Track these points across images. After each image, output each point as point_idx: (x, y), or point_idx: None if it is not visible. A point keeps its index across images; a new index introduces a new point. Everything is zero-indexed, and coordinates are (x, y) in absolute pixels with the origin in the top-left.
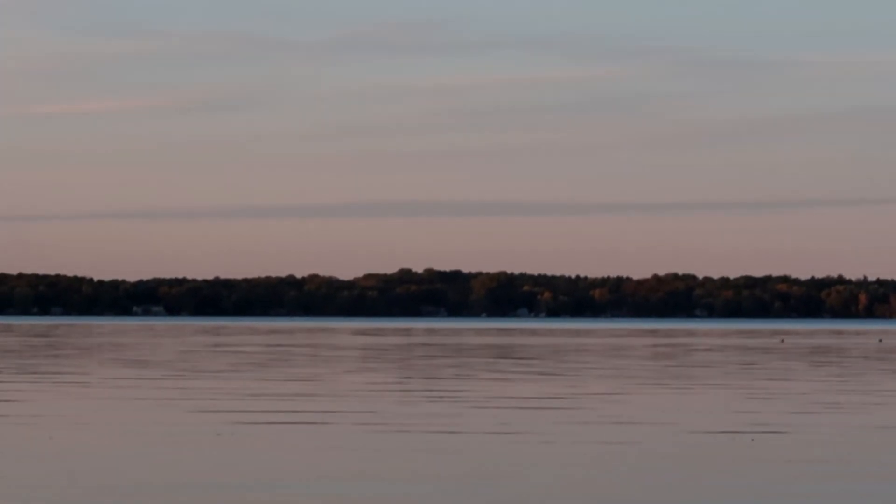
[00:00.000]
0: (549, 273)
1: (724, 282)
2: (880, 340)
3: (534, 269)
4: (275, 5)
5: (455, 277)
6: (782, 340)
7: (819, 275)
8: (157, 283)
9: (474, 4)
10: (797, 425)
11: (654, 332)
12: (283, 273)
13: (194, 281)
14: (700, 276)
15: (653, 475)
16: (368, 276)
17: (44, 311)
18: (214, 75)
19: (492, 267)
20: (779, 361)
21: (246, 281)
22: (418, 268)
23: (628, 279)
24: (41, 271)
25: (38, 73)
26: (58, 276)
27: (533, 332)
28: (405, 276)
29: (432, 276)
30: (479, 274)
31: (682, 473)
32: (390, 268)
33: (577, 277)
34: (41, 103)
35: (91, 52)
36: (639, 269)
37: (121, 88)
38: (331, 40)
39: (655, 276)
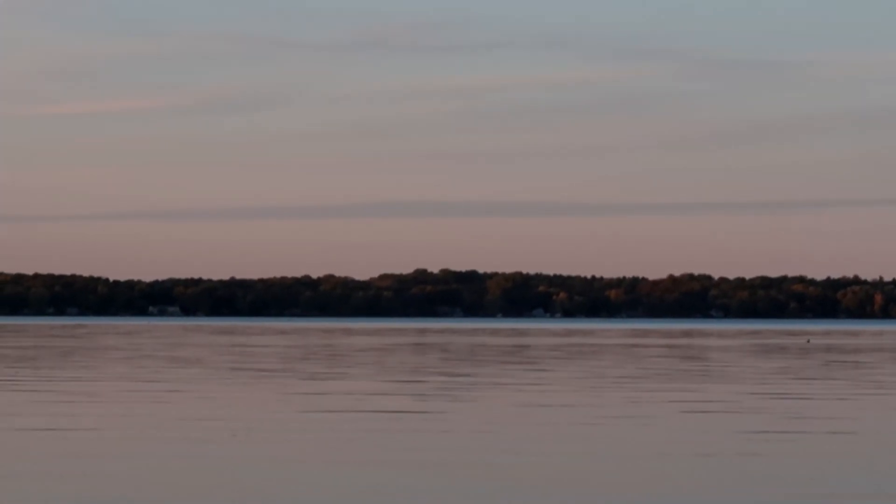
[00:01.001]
0: (565, 273)
1: (740, 282)
2: None
3: (549, 270)
4: (287, 6)
5: (470, 278)
6: (808, 341)
7: (835, 275)
8: (172, 284)
9: (488, 5)
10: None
11: (679, 333)
12: (298, 273)
13: (210, 281)
14: (715, 276)
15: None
16: (384, 277)
17: (59, 312)
18: (229, 75)
19: (507, 267)
20: (813, 362)
21: (261, 281)
22: (434, 268)
23: (644, 279)
24: (57, 271)
25: (53, 73)
26: (73, 276)
27: (555, 333)
28: (421, 276)
29: (448, 276)
30: (495, 274)
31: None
32: (406, 268)
33: (593, 278)
34: (55, 103)
35: (107, 51)
36: (654, 270)
37: (135, 88)
38: (344, 40)
39: (671, 277)
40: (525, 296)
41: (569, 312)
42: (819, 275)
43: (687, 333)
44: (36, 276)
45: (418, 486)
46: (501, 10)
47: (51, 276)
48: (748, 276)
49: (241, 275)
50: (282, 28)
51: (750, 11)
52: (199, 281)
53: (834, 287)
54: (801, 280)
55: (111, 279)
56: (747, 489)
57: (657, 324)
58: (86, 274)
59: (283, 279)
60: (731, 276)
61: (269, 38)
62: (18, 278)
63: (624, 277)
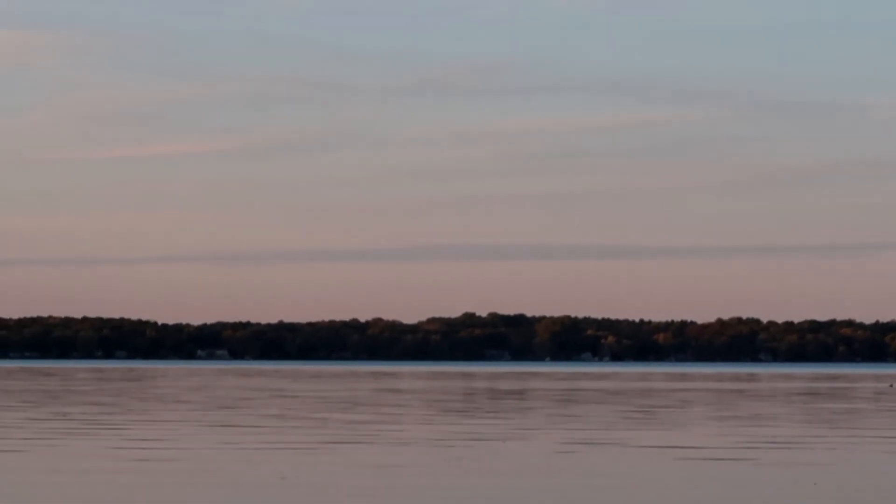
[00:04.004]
0: (613, 317)
1: (789, 326)
2: None
3: (597, 313)
4: (343, 50)
5: (519, 321)
6: (892, 385)
7: (883, 319)
8: (220, 327)
9: (542, 48)
10: None
11: (748, 378)
12: (346, 317)
13: (258, 325)
14: (764, 320)
15: None
16: (432, 320)
17: (108, 355)
18: (281, 119)
19: (555, 311)
20: None
21: (310, 325)
22: (482, 312)
23: (692, 323)
24: (105, 315)
25: (104, 118)
26: (122, 319)
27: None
28: (469, 319)
29: (496, 319)
30: (543, 318)
31: None
32: (454, 311)
33: (641, 321)
34: (110, 147)
35: (160, 95)
36: (703, 313)
37: (189, 132)
38: (397, 84)
39: (719, 320)
40: (573, 339)
41: (617, 356)
42: (868, 318)
43: (754, 378)
44: (84, 319)
45: None
46: (555, 54)
47: (99, 320)
48: (797, 319)
49: (289, 318)
50: (340, 72)
51: (807, 55)
52: (248, 324)
53: (882, 330)
54: (849, 324)
55: (160, 322)
56: None
57: (707, 367)
58: (134, 317)
59: (332, 322)
60: (780, 319)
61: (321, 81)
62: (67, 322)
63: (672, 321)
